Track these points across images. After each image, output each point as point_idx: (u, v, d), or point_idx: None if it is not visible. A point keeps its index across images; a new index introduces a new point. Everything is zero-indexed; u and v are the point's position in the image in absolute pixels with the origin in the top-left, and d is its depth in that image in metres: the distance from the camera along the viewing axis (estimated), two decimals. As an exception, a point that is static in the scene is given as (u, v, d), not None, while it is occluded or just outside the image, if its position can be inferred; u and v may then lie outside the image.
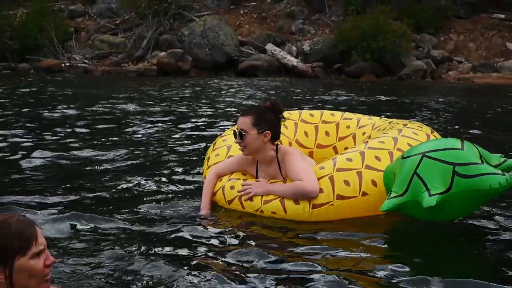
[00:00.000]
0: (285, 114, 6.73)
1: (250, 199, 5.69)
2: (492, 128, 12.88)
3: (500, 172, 4.80)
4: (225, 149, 6.36)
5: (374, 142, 5.84)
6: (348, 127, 6.96)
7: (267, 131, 5.70)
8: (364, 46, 31.25)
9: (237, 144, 5.81)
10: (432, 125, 13.25)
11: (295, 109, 7.80)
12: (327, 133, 7.01)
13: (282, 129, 6.54)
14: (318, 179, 5.49)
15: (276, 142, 5.87)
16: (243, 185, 5.79)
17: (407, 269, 4.43)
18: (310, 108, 11.21)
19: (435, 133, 6.19)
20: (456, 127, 13.07)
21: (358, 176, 5.47)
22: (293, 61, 31.90)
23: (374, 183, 5.44)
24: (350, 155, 5.69)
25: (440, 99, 20.03)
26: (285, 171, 5.71)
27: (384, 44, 31.12)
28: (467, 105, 18.69)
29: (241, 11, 37.88)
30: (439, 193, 4.72)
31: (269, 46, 32.73)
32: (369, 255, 4.76)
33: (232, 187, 5.86)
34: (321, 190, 5.45)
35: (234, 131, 5.81)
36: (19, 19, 35.98)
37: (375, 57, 31.41)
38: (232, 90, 22.76)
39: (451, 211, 4.94)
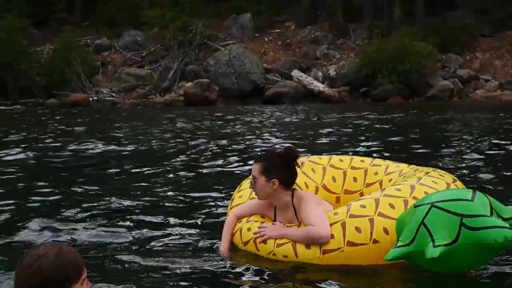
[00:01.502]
0: (314, 158, 6.80)
1: (264, 241, 5.67)
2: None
3: (508, 226, 4.68)
4: (249, 191, 6.37)
5: (391, 189, 5.74)
6: (376, 173, 6.86)
7: (275, 179, 5.71)
8: (390, 68, 31.23)
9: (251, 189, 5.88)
10: (461, 147, 13.18)
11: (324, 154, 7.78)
12: (355, 179, 6.94)
13: (310, 173, 6.63)
14: (331, 224, 5.46)
15: (294, 187, 5.89)
16: (259, 227, 5.79)
17: None
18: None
19: (458, 182, 6.05)
20: (486, 148, 12.96)
21: (370, 223, 5.37)
22: (319, 86, 31.96)
23: (386, 231, 5.32)
24: (365, 201, 5.61)
25: (468, 120, 19.91)
26: (300, 216, 5.74)
27: (410, 65, 31.09)
28: (497, 124, 18.54)
29: (266, 39, 38.06)
30: (443, 245, 4.64)
31: (295, 73, 32.81)
32: None
33: (249, 229, 5.85)
34: (332, 236, 5.38)
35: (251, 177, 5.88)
36: (46, 55, 36.45)
37: (401, 79, 31.38)
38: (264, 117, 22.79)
39: (457, 263, 4.83)
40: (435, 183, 5.78)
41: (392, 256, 4.89)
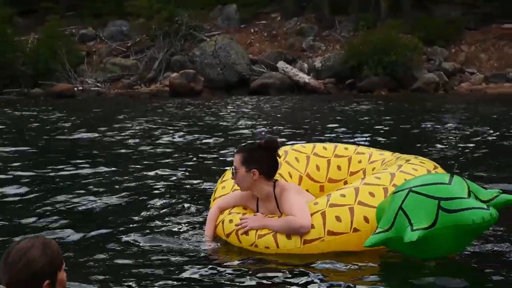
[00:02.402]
0: (298, 147, 6.84)
1: (246, 233, 5.70)
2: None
3: (485, 206, 4.70)
4: (231, 182, 6.36)
5: (371, 178, 5.78)
6: (360, 161, 6.83)
7: (255, 170, 5.70)
8: (376, 60, 31.27)
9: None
10: (446, 140, 13.22)
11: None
12: (339, 167, 6.91)
13: (294, 162, 6.66)
14: (311, 214, 5.46)
15: (276, 178, 5.88)
16: (240, 219, 5.81)
17: None
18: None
19: (438, 169, 6.04)
20: (472, 141, 13.01)
21: (350, 212, 5.40)
22: (305, 78, 31.96)
23: (366, 219, 5.35)
24: (345, 191, 5.64)
25: (453, 112, 19.97)
26: (282, 206, 5.72)
27: (396, 58, 31.13)
28: (482, 116, 18.61)
29: (252, 30, 38.00)
30: (422, 228, 4.65)
31: (281, 64, 32.79)
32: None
33: (230, 221, 5.88)
34: (312, 226, 5.41)
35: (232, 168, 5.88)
36: (30, 44, 36.23)
37: (387, 71, 31.42)
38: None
39: (436, 247, 4.86)
40: (415, 170, 5.80)
41: (371, 242, 4.93)
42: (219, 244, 5.90)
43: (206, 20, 37.14)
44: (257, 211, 5.93)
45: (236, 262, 5.47)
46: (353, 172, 6.80)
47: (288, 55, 34.46)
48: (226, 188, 6.39)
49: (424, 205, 4.74)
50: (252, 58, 34.20)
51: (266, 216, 5.76)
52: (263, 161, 5.75)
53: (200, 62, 32.85)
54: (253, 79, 32.68)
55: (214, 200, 6.36)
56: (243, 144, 6.30)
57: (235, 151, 5.96)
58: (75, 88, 32.95)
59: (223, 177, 6.67)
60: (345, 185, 6.51)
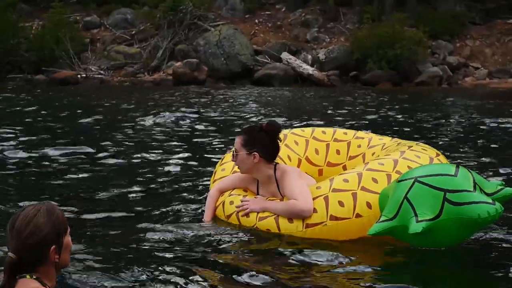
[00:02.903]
0: (297, 130, 6.90)
1: (247, 215, 5.74)
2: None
3: (491, 201, 4.72)
4: (231, 164, 6.37)
5: (374, 163, 5.78)
6: (359, 146, 6.87)
7: (255, 152, 5.70)
8: (380, 54, 31.19)
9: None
10: (449, 133, 13.19)
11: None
12: (338, 152, 6.94)
13: (293, 145, 6.72)
14: (314, 199, 5.47)
15: (276, 161, 5.86)
16: (241, 201, 5.85)
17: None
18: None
19: (441, 156, 6.03)
20: (473, 135, 12.98)
21: (353, 197, 5.41)
22: (308, 69, 31.88)
23: (369, 205, 5.36)
24: (348, 176, 5.64)
25: (457, 106, 19.93)
26: (283, 189, 5.72)
27: (401, 51, 31.05)
28: (484, 112, 18.56)
29: (256, 20, 37.91)
30: (427, 220, 4.68)
31: (284, 55, 32.73)
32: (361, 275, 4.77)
33: (231, 203, 5.93)
34: (315, 210, 5.43)
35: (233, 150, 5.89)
36: (35, 31, 36.17)
37: (392, 65, 31.34)
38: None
39: (440, 238, 4.87)
40: (418, 157, 5.79)
41: (376, 230, 4.94)
42: (218, 225, 5.90)
43: (210, 10, 36.99)
44: (258, 194, 5.97)
45: (236, 244, 5.49)
46: (352, 157, 6.84)
47: (292, 46, 34.37)
48: (226, 170, 6.42)
49: (430, 196, 4.75)
50: (256, 48, 34.11)
51: (267, 199, 5.79)
52: (264, 144, 5.78)
53: (204, 51, 32.79)
54: (257, 69, 32.61)
55: (213, 182, 6.39)
56: (244, 127, 6.31)
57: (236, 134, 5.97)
58: (79, 75, 32.86)
59: (222, 159, 6.71)
60: (344, 169, 6.56)
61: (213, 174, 6.58)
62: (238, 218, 5.80)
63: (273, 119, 10.21)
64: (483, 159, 9.82)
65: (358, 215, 5.36)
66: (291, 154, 6.68)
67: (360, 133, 7.08)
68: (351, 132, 7.11)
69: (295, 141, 6.83)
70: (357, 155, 6.80)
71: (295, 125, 13.49)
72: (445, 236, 4.84)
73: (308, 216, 5.43)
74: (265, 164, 5.79)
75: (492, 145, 11.66)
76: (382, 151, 6.43)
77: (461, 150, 10.99)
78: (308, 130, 7.18)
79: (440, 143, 11.52)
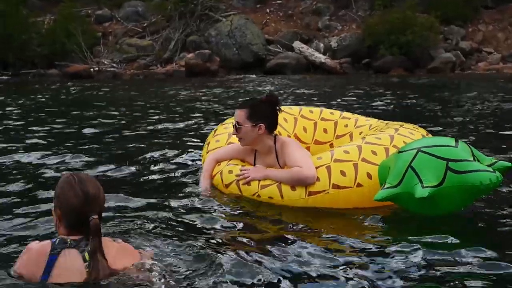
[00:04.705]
0: (285, 108, 7.07)
1: (248, 183, 5.84)
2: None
3: (491, 169, 4.97)
4: (225, 136, 6.60)
5: (372, 138, 6.03)
6: (346, 126, 7.21)
7: (261, 124, 5.84)
8: (392, 40, 31.13)
9: (234, 135, 5.98)
10: (463, 120, 13.18)
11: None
12: (325, 130, 7.25)
13: (282, 122, 6.91)
14: (316, 168, 5.66)
15: (275, 133, 5.97)
16: (241, 170, 5.95)
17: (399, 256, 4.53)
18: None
19: (430, 135, 6.38)
20: (488, 120, 12.97)
21: (354, 167, 5.64)
22: (321, 58, 31.88)
23: (369, 175, 5.60)
24: (348, 148, 5.88)
25: (470, 92, 19.90)
26: (283, 160, 5.86)
27: (412, 37, 30.98)
28: (497, 97, 18.52)
29: (267, 10, 37.91)
30: (431, 186, 4.90)
31: (296, 44, 32.73)
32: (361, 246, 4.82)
33: (230, 172, 6.03)
34: (317, 179, 5.61)
35: (233, 123, 5.95)
36: (47, 25, 36.30)
37: (403, 51, 31.28)
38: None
39: (442, 205, 5.08)
40: (411, 134, 6.14)
41: (382, 196, 5.16)
42: (216, 195, 5.98)
43: (221, 0, 37.00)
44: (254, 165, 6.08)
45: (237, 212, 5.59)
46: (339, 136, 7.14)
47: (304, 35, 34.37)
48: (220, 141, 6.61)
49: (433, 165, 4.98)
50: (267, 38, 34.12)
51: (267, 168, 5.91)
52: (266, 115, 5.93)
53: (216, 42, 32.83)
54: (269, 59, 32.62)
55: (207, 153, 6.49)
56: (244, 100, 6.39)
57: (237, 107, 6.04)
58: (91, 69, 32.97)
59: (215, 130, 6.89)
60: (331, 147, 6.83)
61: (206, 145, 6.72)
62: (239, 187, 5.89)
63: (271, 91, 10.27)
64: (493, 142, 9.90)
65: (359, 185, 5.60)
66: (281, 131, 6.92)
67: (347, 114, 7.45)
68: (337, 112, 7.46)
69: (284, 119, 7.07)
70: (344, 134, 7.13)
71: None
72: (446, 203, 5.06)
73: (312, 183, 5.59)
74: (267, 135, 5.93)
75: (505, 131, 11.68)
76: (370, 131, 6.71)
77: (466, 131, 11.12)
78: (296, 108, 7.46)
79: (455, 129, 11.54)
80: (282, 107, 6.54)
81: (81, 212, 3.49)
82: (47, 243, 3.51)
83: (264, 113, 5.88)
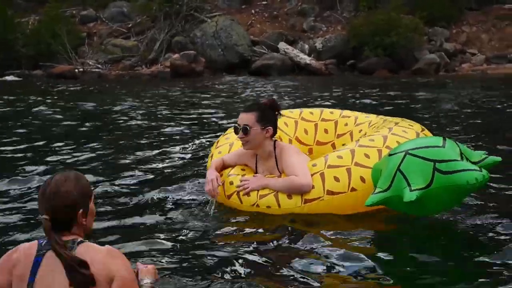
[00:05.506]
0: (286, 112, 7.19)
1: (247, 193, 5.95)
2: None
3: (478, 168, 5.05)
4: (227, 146, 6.72)
5: (365, 140, 6.11)
6: (346, 124, 7.30)
7: (269, 127, 5.90)
8: (377, 41, 31.21)
9: (240, 139, 6.03)
10: (444, 119, 13.28)
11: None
12: (326, 131, 7.34)
13: (283, 126, 7.07)
14: (311, 175, 5.74)
15: (274, 138, 6.11)
16: (241, 180, 6.06)
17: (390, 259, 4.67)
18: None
19: (425, 131, 6.51)
20: (470, 121, 13.08)
21: (348, 172, 5.73)
22: (306, 59, 31.92)
23: (362, 179, 5.70)
24: (341, 152, 5.96)
25: (455, 93, 20.02)
26: (281, 166, 5.95)
27: (397, 38, 31.08)
28: (480, 98, 18.65)
29: (252, 11, 37.95)
30: (419, 189, 4.96)
31: (281, 45, 32.76)
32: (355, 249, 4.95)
33: (231, 183, 6.13)
34: (312, 186, 5.71)
35: (236, 126, 6.02)
36: (31, 26, 36.17)
37: (388, 52, 31.36)
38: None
39: (432, 205, 5.18)
40: (405, 132, 6.23)
41: (372, 201, 5.24)
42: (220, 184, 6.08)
43: (206, 0, 36.98)
44: (256, 170, 6.19)
45: (238, 223, 5.72)
46: (340, 135, 7.21)
47: (289, 36, 34.42)
48: (222, 152, 6.68)
49: (421, 167, 5.05)
50: (253, 39, 34.14)
51: (266, 175, 6.02)
52: (271, 119, 6.04)
53: (201, 43, 32.82)
54: (254, 60, 32.63)
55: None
56: (249, 104, 6.51)
57: (243, 110, 6.10)
58: (76, 70, 32.86)
59: (217, 142, 6.93)
60: (333, 147, 6.90)
61: (209, 158, 6.82)
62: (239, 198, 6.01)
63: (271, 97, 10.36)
64: (479, 140, 10.04)
65: (353, 189, 5.70)
66: (282, 135, 7.05)
67: (346, 112, 7.50)
68: (337, 112, 7.51)
69: (285, 123, 7.18)
70: (344, 133, 7.21)
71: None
72: (436, 203, 5.17)
73: (307, 191, 5.70)
74: (269, 140, 6.00)
75: (488, 127, 11.83)
76: (369, 128, 6.82)
77: (453, 128, 11.25)
78: (296, 111, 7.54)
79: (432, 121, 11.66)
80: (283, 111, 6.65)
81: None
82: (34, 243, 3.52)
83: (271, 117, 6.00)
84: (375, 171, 5.47)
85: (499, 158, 5.30)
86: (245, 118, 5.93)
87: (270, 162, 6.07)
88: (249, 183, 5.95)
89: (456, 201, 5.38)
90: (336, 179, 5.69)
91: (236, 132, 5.98)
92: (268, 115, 5.98)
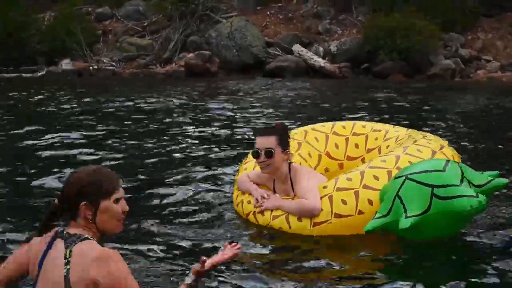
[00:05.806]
0: (317, 126, 7.35)
1: (262, 213, 6.11)
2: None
3: (474, 194, 5.02)
4: (252, 163, 6.76)
5: (377, 161, 6.12)
6: (376, 139, 7.31)
7: (288, 150, 6.11)
8: (392, 45, 31.14)
9: (260, 163, 6.14)
10: (459, 128, 13.24)
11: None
12: (356, 145, 7.35)
13: (313, 142, 7.18)
14: (321, 198, 5.82)
15: (290, 161, 6.22)
16: (257, 199, 6.24)
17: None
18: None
19: (445, 148, 6.38)
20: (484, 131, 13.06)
21: (355, 195, 5.76)
22: (320, 62, 31.87)
23: (370, 202, 5.71)
24: (351, 174, 6.00)
25: (471, 100, 19.98)
26: (296, 188, 6.08)
27: (412, 43, 31.00)
28: (497, 105, 18.60)
29: (268, 12, 37.93)
30: (415, 215, 5.00)
31: (296, 47, 32.72)
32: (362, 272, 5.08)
33: (249, 202, 6.32)
34: (321, 209, 5.81)
35: (257, 151, 6.08)
36: (47, 22, 36.24)
37: (403, 57, 31.29)
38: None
39: (430, 231, 5.19)
40: (419, 152, 6.21)
41: (372, 226, 5.35)
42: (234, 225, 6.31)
43: (222, 1, 36.97)
44: (274, 191, 6.33)
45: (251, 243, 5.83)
46: (370, 149, 7.21)
47: (304, 38, 34.36)
48: (247, 169, 6.87)
49: (419, 192, 5.11)
50: (267, 40, 34.08)
51: (282, 197, 6.16)
52: (288, 142, 6.11)
53: (216, 43, 32.81)
54: (268, 61, 32.59)
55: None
56: (265, 127, 6.63)
57: (262, 132, 6.15)
58: (91, 67, 32.91)
59: (246, 158, 6.98)
60: (363, 162, 6.86)
61: (238, 173, 6.97)
62: (255, 217, 6.17)
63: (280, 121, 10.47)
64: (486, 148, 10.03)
65: (360, 212, 5.74)
66: (312, 151, 7.03)
67: (377, 126, 7.42)
68: (369, 125, 7.45)
69: (315, 138, 7.25)
70: (374, 147, 7.21)
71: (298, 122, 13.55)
72: (434, 229, 5.19)
73: (316, 215, 5.81)
74: (286, 163, 6.06)
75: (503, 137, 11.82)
76: (396, 144, 6.72)
77: (467, 140, 11.24)
78: (329, 125, 7.48)
79: (448, 131, 11.63)
80: (315, 126, 6.72)
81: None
82: (54, 230, 3.54)
83: (288, 140, 6.14)
84: (383, 193, 5.51)
85: (505, 181, 5.27)
86: (268, 141, 6.02)
87: (286, 185, 6.21)
88: (264, 202, 6.10)
89: (455, 227, 5.37)
90: (344, 202, 5.75)
91: (256, 156, 6.07)
92: (286, 138, 6.10)
